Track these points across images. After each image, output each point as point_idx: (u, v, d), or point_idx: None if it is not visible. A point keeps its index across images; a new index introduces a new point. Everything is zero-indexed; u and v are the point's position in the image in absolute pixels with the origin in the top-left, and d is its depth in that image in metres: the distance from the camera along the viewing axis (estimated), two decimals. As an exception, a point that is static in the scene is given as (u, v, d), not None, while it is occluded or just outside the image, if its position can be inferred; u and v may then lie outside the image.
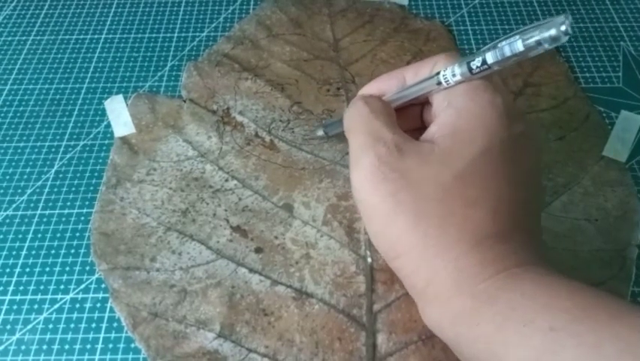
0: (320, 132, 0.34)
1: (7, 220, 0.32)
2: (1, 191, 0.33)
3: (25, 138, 0.36)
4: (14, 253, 0.31)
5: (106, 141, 0.36)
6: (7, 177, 0.34)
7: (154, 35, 0.43)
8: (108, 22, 0.44)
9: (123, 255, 0.30)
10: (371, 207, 0.23)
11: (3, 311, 0.29)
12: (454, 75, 0.23)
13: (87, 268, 0.30)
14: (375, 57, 0.40)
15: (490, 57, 0.22)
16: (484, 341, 0.21)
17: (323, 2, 0.44)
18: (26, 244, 0.31)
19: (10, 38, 0.43)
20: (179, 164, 0.34)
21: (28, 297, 0.29)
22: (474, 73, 0.23)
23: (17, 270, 0.30)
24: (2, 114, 0.38)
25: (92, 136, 0.36)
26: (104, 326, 0.28)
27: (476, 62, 0.23)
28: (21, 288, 0.29)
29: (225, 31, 0.43)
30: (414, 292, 0.24)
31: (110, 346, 0.27)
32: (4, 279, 0.30)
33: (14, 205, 0.33)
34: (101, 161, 0.35)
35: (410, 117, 0.28)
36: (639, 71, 0.39)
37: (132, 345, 0.27)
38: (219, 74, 0.39)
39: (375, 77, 0.38)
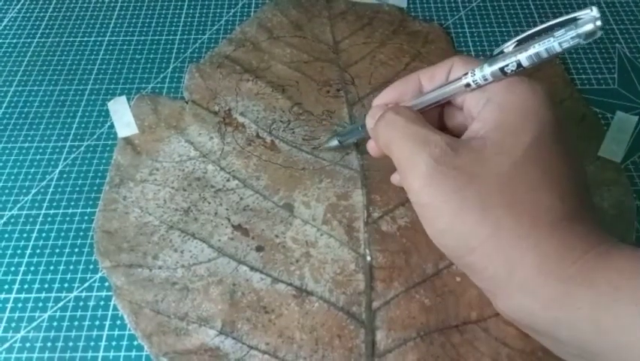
0: (334, 142, 0.33)
1: (12, 220, 0.32)
2: (6, 191, 0.34)
3: (29, 138, 0.36)
4: (19, 252, 0.31)
5: (109, 142, 0.36)
6: (12, 177, 0.34)
7: (157, 38, 0.43)
8: (111, 25, 0.44)
9: (126, 253, 0.30)
10: (434, 209, 0.23)
11: (8, 309, 0.29)
12: (485, 79, 0.24)
13: (91, 266, 0.30)
14: (375, 59, 0.40)
15: (525, 60, 0.23)
16: (586, 326, 0.20)
17: (323, 5, 0.44)
18: (31, 243, 0.31)
19: (14, 40, 0.43)
20: (182, 164, 0.34)
21: (33, 295, 0.29)
22: (507, 75, 0.23)
23: (22, 268, 0.30)
24: (7, 115, 0.38)
25: (95, 137, 0.36)
26: (107, 323, 0.28)
27: (510, 66, 0.23)
28: (26, 286, 0.29)
29: (227, 34, 0.43)
30: (491, 284, 0.23)
31: (114, 343, 0.27)
32: (9, 277, 0.30)
33: (19, 205, 0.33)
34: (104, 161, 0.35)
35: (429, 122, 0.27)
36: (634, 73, 0.39)
37: (135, 342, 0.27)
38: (221, 75, 0.39)
39: (374, 78, 0.38)
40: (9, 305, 0.29)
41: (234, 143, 0.35)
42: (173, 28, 0.43)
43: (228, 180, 0.33)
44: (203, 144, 0.35)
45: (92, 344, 0.27)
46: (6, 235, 0.32)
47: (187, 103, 0.37)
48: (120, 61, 0.41)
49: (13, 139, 0.36)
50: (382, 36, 0.42)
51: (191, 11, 0.45)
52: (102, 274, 0.30)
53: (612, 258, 0.20)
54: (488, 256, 0.22)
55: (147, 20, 0.44)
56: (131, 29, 0.43)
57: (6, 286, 0.29)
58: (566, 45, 0.21)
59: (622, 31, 0.42)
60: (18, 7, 0.46)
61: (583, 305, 0.20)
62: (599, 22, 0.20)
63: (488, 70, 0.23)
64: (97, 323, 0.28)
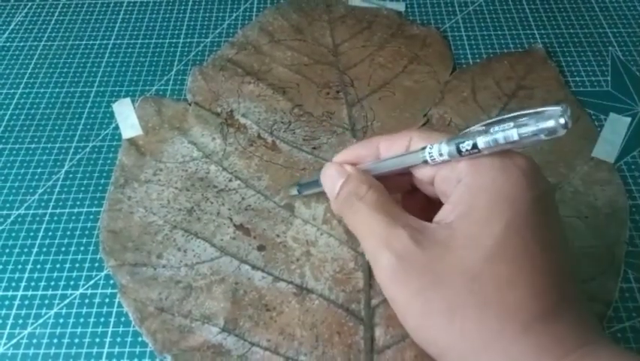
0: (294, 192, 0.30)
1: (19, 219, 0.32)
2: (14, 191, 0.33)
3: (36, 139, 0.36)
4: (26, 250, 0.31)
5: (114, 143, 0.36)
6: (19, 177, 0.34)
7: (160, 41, 0.43)
8: (116, 29, 0.44)
9: (131, 252, 0.30)
10: (402, 306, 0.21)
11: (15, 306, 0.29)
12: (440, 155, 0.21)
13: (96, 264, 0.30)
14: (373, 62, 0.40)
15: (481, 143, 0.20)
16: None
17: (323, 9, 0.44)
18: (37, 242, 0.31)
19: (22, 44, 0.43)
20: (185, 164, 0.34)
21: (40, 293, 0.29)
22: (462, 155, 0.21)
23: (29, 266, 0.30)
24: (14, 117, 0.38)
25: (100, 138, 0.36)
26: (112, 320, 0.28)
27: (466, 145, 0.21)
28: (32, 284, 0.29)
29: (229, 37, 0.43)
30: None
31: (118, 340, 0.27)
32: (17, 275, 0.30)
33: (26, 204, 0.33)
34: (109, 162, 0.35)
35: (398, 183, 0.25)
36: (627, 76, 0.39)
37: (139, 339, 0.27)
38: (223, 78, 0.39)
39: (373, 80, 0.38)
40: (16, 302, 0.29)
41: (236, 144, 0.35)
42: (177, 32, 0.43)
43: (230, 181, 0.33)
44: (205, 144, 0.35)
45: (97, 340, 0.27)
46: (13, 234, 0.31)
47: (190, 105, 0.37)
48: (125, 64, 0.41)
49: (20, 140, 0.36)
50: (381, 39, 0.42)
51: (194, 15, 0.45)
52: (107, 272, 0.30)
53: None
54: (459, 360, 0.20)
55: (151, 24, 0.44)
56: (135, 33, 0.43)
57: (13, 284, 0.29)
58: (525, 137, 0.19)
59: (615, 34, 0.42)
60: (25, 11, 0.46)
61: None
62: (562, 121, 0.18)
63: (445, 146, 0.21)
64: (102, 319, 0.28)
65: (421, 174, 0.23)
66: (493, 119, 0.20)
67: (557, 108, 0.18)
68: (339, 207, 0.24)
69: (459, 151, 0.21)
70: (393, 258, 0.20)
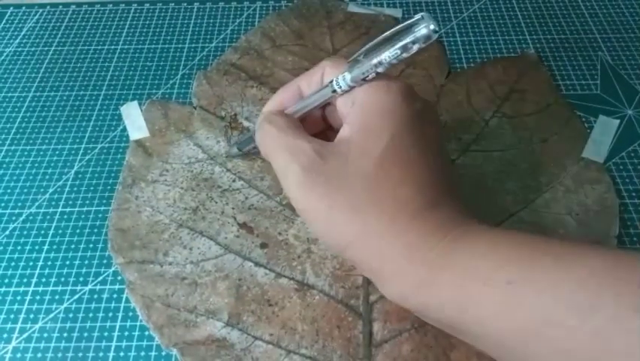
0: (234, 150, 0.33)
1: (31, 217, 0.32)
2: (25, 190, 0.33)
3: (47, 141, 0.36)
4: (37, 247, 0.31)
5: (122, 144, 0.36)
6: (31, 177, 0.34)
7: (166, 46, 0.43)
8: (124, 34, 0.44)
9: (138, 250, 0.30)
10: (310, 213, 0.23)
11: (27, 301, 0.29)
12: (346, 84, 0.23)
13: (104, 261, 0.30)
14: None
15: (378, 66, 0.22)
16: (450, 306, 0.20)
17: (323, 15, 0.44)
18: (48, 239, 0.31)
19: (33, 49, 0.43)
20: (190, 165, 0.34)
21: (50, 288, 0.29)
22: (366, 80, 0.23)
23: (40, 263, 0.30)
24: (26, 119, 0.38)
25: (109, 139, 0.36)
26: (120, 315, 0.28)
27: (365, 73, 0.23)
28: (43, 280, 0.29)
29: (232, 42, 0.43)
30: (370, 275, 0.23)
31: (126, 334, 0.27)
32: (28, 271, 0.30)
33: (37, 203, 0.33)
34: (117, 162, 0.35)
35: (314, 122, 0.27)
36: (616, 79, 0.39)
37: (146, 333, 0.27)
38: (227, 82, 0.39)
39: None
40: (28, 298, 0.29)
41: (240, 145, 0.35)
42: (182, 38, 0.43)
43: (234, 181, 0.33)
44: (210, 147, 0.35)
45: (106, 334, 0.27)
46: (25, 232, 0.31)
47: (195, 108, 0.37)
48: (132, 68, 0.41)
49: (31, 142, 0.36)
50: (379, 44, 0.41)
51: (198, 21, 0.45)
52: (115, 269, 0.30)
53: (468, 240, 0.21)
54: (361, 251, 0.22)
55: (157, 30, 0.44)
56: (142, 38, 0.43)
57: (25, 280, 0.29)
58: (409, 48, 0.21)
59: (604, 40, 0.42)
60: (36, 17, 0.46)
61: (444, 288, 0.21)
62: (432, 26, 0.20)
63: (348, 75, 0.23)
64: (110, 314, 0.28)
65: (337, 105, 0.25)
66: (374, 42, 0.23)
67: (419, 17, 0.21)
68: (257, 138, 0.26)
69: (364, 79, 0.23)
70: (300, 170, 0.23)
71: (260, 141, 0.26)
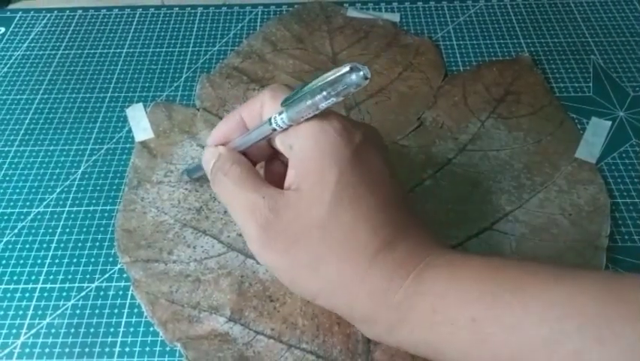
0: (184, 176, 0.33)
1: (39, 216, 0.32)
2: (33, 190, 0.34)
3: (54, 142, 0.36)
4: (45, 245, 0.31)
5: (127, 145, 0.36)
6: (39, 177, 0.34)
7: (170, 50, 0.43)
8: (129, 38, 0.44)
9: (144, 249, 0.30)
10: (274, 267, 0.23)
11: (35, 298, 0.29)
12: (283, 122, 0.22)
13: (110, 259, 0.30)
14: (370, 69, 0.40)
15: (312, 108, 0.21)
16: (424, 346, 0.21)
17: (323, 20, 0.44)
18: (55, 238, 0.31)
19: (41, 52, 0.43)
20: (194, 165, 0.34)
21: (58, 285, 0.29)
22: (302, 120, 0.22)
23: (48, 261, 0.30)
24: (34, 121, 0.38)
25: (114, 140, 0.36)
26: (125, 311, 0.28)
27: (299, 113, 0.22)
28: (51, 277, 0.29)
29: (235, 46, 0.43)
30: (345, 318, 0.23)
31: (131, 329, 0.27)
32: (36, 269, 0.30)
33: (45, 203, 0.33)
34: (122, 163, 0.35)
35: (262, 149, 0.26)
36: (608, 82, 0.39)
37: (151, 329, 0.27)
38: (229, 85, 0.39)
39: (370, 86, 0.38)
40: (36, 294, 0.29)
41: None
42: (186, 42, 0.43)
43: (236, 180, 0.33)
44: (213, 147, 0.35)
45: (112, 330, 0.27)
46: (33, 231, 0.32)
47: (198, 110, 0.37)
48: (137, 71, 0.41)
49: (39, 143, 0.36)
50: (377, 48, 0.42)
51: (202, 26, 0.45)
52: (121, 266, 0.30)
53: (430, 276, 0.21)
54: (330, 301, 0.22)
55: (162, 34, 0.44)
56: (147, 42, 0.44)
57: (33, 277, 0.29)
58: (343, 94, 0.21)
59: (596, 43, 0.42)
60: (44, 22, 0.46)
61: (415, 330, 0.20)
62: (361, 73, 0.20)
63: (286, 114, 0.22)
64: (116, 311, 0.28)
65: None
66: (311, 84, 0.21)
67: (348, 68, 0.20)
68: (213, 185, 0.25)
69: (298, 119, 0.22)
70: (257, 228, 0.22)
71: (216, 191, 0.25)
